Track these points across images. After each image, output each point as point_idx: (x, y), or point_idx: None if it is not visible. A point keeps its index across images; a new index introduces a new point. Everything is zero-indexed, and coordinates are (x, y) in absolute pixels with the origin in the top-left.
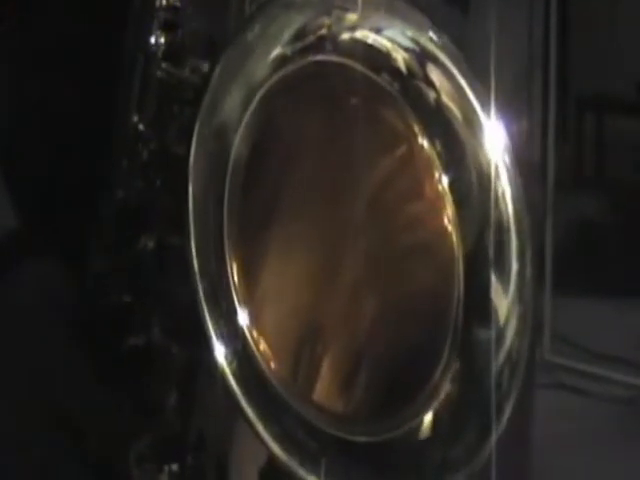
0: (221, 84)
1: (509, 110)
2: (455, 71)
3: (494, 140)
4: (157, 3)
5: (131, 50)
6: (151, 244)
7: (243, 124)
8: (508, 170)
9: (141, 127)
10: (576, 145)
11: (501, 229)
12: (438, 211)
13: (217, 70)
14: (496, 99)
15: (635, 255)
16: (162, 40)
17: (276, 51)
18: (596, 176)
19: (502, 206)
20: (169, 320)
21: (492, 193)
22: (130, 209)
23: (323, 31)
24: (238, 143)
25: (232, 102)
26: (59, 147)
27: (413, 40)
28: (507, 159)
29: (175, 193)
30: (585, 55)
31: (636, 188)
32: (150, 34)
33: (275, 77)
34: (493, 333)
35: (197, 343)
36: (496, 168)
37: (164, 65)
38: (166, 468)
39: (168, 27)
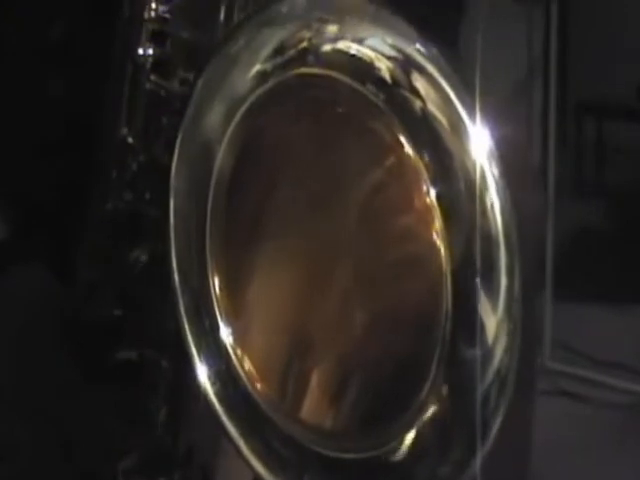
0: (205, 96)
1: (500, 119)
2: (441, 80)
3: (482, 149)
4: (146, 14)
5: (119, 61)
6: (141, 256)
7: (227, 137)
8: (497, 182)
9: (130, 139)
10: (576, 150)
11: (490, 242)
12: (426, 224)
13: (200, 82)
14: (486, 109)
15: (636, 261)
16: (150, 51)
17: (256, 67)
18: (596, 181)
19: (491, 219)
20: (159, 334)
21: (481, 205)
22: (120, 221)
23: (304, 44)
24: (222, 156)
25: (216, 114)
26: (49, 157)
27: (396, 48)
28: (496, 170)
29: (164, 205)
30: (585, 60)
31: (636, 193)
32: (138, 45)
33: (256, 93)
34: (478, 350)
35: (186, 358)
36: (484, 179)
37: (153, 77)
38: None
39: (157, 38)
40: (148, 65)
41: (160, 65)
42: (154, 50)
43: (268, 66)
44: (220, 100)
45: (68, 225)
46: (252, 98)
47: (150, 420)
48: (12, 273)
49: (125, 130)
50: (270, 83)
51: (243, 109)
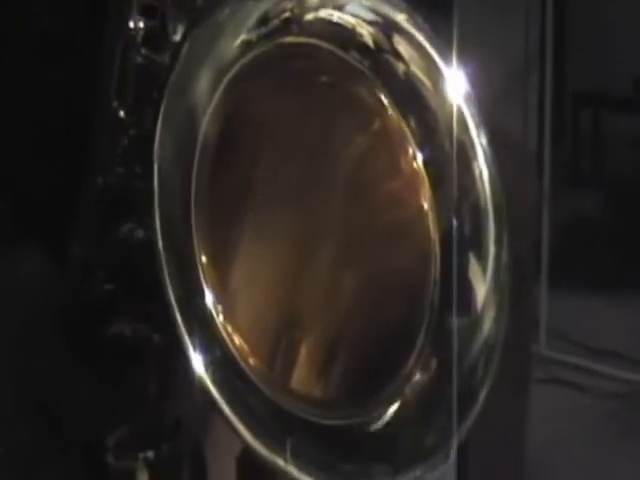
0: (189, 64)
1: (483, 74)
2: (420, 37)
3: (460, 96)
4: None
5: (110, 35)
6: (132, 231)
7: (212, 105)
8: (485, 151)
9: (121, 113)
10: (573, 141)
11: (478, 211)
12: (414, 190)
13: (184, 50)
14: (467, 64)
15: (631, 250)
16: (141, 25)
17: (242, 37)
18: (593, 172)
19: (479, 187)
20: (149, 308)
21: (454, 148)
22: (111, 195)
23: (287, 14)
24: (207, 124)
25: (201, 82)
26: (40, 133)
27: (374, 11)
28: (484, 139)
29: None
30: (582, 51)
31: (633, 184)
32: (129, 19)
33: (241, 62)
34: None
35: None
36: (473, 148)
37: (144, 51)
38: (142, 456)
39: (148, 12)
40: (139, 39)
41: (151, 39)
42: (145, 24)
43: (253, 36)
44: (206, 68)
45: (60, 202)
46: (237, 67)
47: (141, 395)
48: (5, 252)
49: (116, 104)
50: (255, 52)
51: (229, 77)
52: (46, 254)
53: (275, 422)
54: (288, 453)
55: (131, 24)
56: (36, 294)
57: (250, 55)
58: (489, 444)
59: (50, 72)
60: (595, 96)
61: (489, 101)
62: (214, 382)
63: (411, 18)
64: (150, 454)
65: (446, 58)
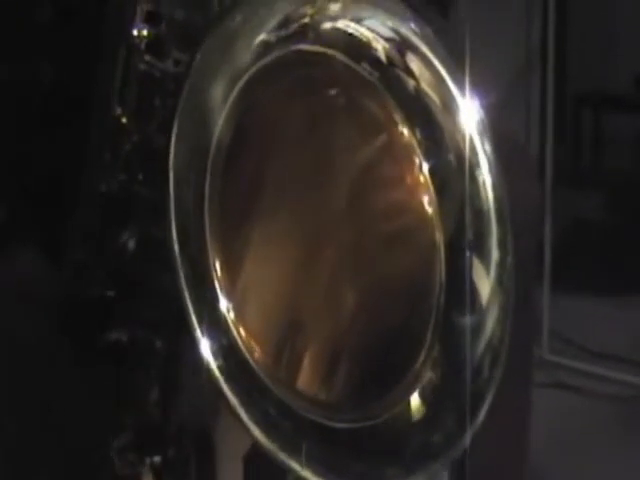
0: (203, 72)
1: (491, 96)
2: (434, 60)
3: (472, 126)
4: None
5: (113, 42)
6: (134, 236)
7: (226, 109)
8: (489, 159)
9: (124, 120)
10: (574, 141)
11: (481, 217)
12: (419, 198)
13: (198, 57)
14: (478, 88)
15: (634, 253)
16: (145, 32)
17: (260, 37)
18: (595, 172)
19: (482, 194)
20: (151, 314)
21: (466, 174)
22: (112, 201)
23: (306, 20)
24: (219, 132)
25: (214, 90)
26: (42, 137)
27: (394, 30)
28: (488, 147)
29: (157, 185)
30: (583, 51)
31: (634, 184)
32: (132, 26)
33: (257, 65)
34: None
35: (179, 337)
36: (476, 156)
37: (147, 57)
38: (148, 460)
39: (151, 19)
40: (142, 46)
41: (154, 46)
42: (148, 31)
43: (272, 37)
44: (219, 75)
45: (60, 206)
46: (251, 72)
47: (143, 399)
48: (3, 254)
49: (119, 110)
50: (270, 57)
51: (241, 84)
52: (46, 259)
53: (284, 421)
54: (304, 458)
55: (134, 31)
56: (34, 299)
57: (265, 59)
58: (491, 448)
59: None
60: (596, 96)
61: (490, 101)
62: (222, 372)
63: (429, 41)
64: (156, 458)
65: (459, 82)
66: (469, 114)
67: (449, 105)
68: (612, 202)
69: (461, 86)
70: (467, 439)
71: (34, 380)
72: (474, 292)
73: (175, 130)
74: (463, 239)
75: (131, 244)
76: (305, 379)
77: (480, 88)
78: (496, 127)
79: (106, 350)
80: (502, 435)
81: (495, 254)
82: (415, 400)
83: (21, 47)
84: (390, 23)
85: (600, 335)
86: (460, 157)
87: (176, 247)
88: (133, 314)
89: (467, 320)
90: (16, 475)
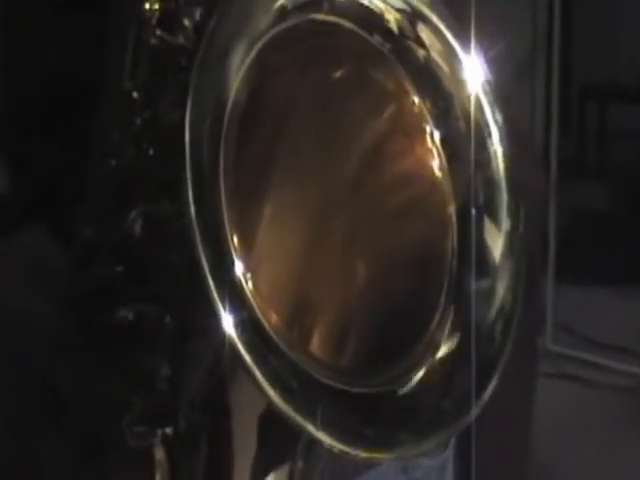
0: (220, 38)
1: (499, 58)
2: (444, 29)
3: (477, 79)
4: None
5: (124, 17)
6: (143, 213)
7: (239, 77)
8: (499, 128)
9: (134, 95)
10: (579, 133)
11: (492, 186)
12: (431, 166)
13: (212, 28)
14: (486, 51)
15: (637, 244)
16: (156, 6)
17: (279, 2)
18: (599, 164)
19: (493, 164)
20: (161, 290)
21: (472, 139)
22: (122, 178)
23: None
24: (233, 100)
25: (231, 56)
26: (50, 115)
27: (405, 1)
28: (499, 117)
29: (169, 160)
30: (588, 43)
31: (639, 175)
32: (144, 0)
33: (272, 32)
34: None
35: (190, 311)
36: (487, 126)
37: (158, 32)
38: (159, 432)
39: None
40: (154, 20)
41: (166, 20)
42: (160, 5)
43: (289, 3)
44: (238, 41)
45: (69, 186)
46: (268, 36)
47: (153, 375)
48: (11, 231)
49: (129, 85)
50: (286, 24)
51: (259, 46)
52: (55, 239)
53: (299, 384)
54: (319, 420)
55: (146, 5)
56: (42, 276)
57: (281, 25)
58: (494, 438)
59: (63, 52)
60: (601, 88)
61: (499, 69)
62: (240, 340)
63: (439, 11)
64: (168, 430)
65: (465, 46)
66: (476, 73)
67: (459, 74)
68: (616, 193)
69: (468, 50)
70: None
71: (43, 359)
72: (485, 257)
73: (190, 102)
74: (475, 205)
75: (140, 221)
76: (319, 345)
77: (489, 56)
78: (505, 98)
79: (115, 328)
80: (506, 426)
81: (506, 222)
82: (429, 365)
83: (31, 28)
84: None
85: (604, 326)
86: (469, 123)
87: (194, 219)
88: (142, 291)
89: (481, 284)
90: (24, 455)
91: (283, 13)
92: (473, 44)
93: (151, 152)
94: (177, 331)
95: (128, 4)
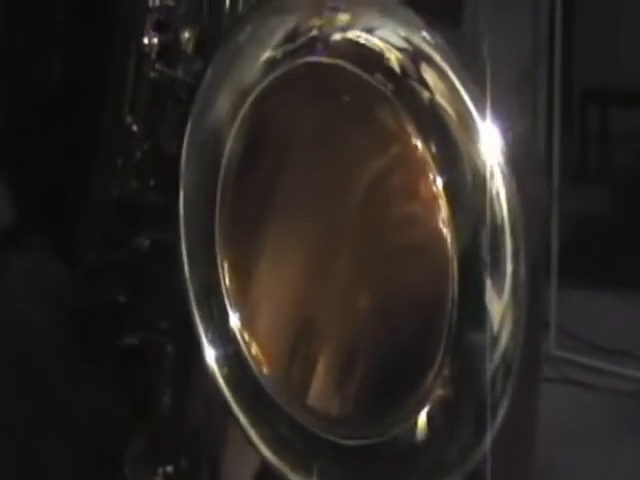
0: (213, 85)
1: (506, 109)
2: (449, 71)
3: (489, 140)
4: (150, 3)
5: (123, 50)
6: (145, 242)
7: (235, 125)
8: (503, 171)
9: (134, 127)
10: (581, 137)
11: (495, 230)
12: (432, 212)
13: (209, 71)
14: (492, 98)
15: None
16: (155, 40)
17: (266, 54)
18: (601, 168)
19: (496, 207)
20: (164, 319)
21: (487, 194)
22: (124, 208)
23: (314, 32)
24: (230, 144)
25: (224, 103)
26: (53, 144)
27: (406, 40)
28: (502, 159)
29: (168, 192)
30: (590, 47)
31: None
32: (143, 34)
33: (267, 79)
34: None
35: (192, 343)
36: (491, 169)
37: (157, 65)
38: (160, 470)
39: (161, 27)
40: (153, 54)
41: (165, 54)
42: (159, 39)
43: (278, 53)
44: (229, 88)
45: (72, 211)
46: (261, 86)
47: (155, 406)
48: (16, 258)
49: (129, 118)
50: (278, 72)
51: (252, 97)
52: (60, 263)
53: (293, 436)
54: (315, 477)
55: (145, 39)
56: (47, 304)
57: (273, 75)
58: (497, 443)
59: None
60: (603, 92)
61: (497, 98)
62: (228, 383)
63: (443, 51)
64: (169, 468)
65: (474, 95)
66: (488, 135)
67: (465, 119)
68: (619, 197)
69: (478, 103)
70: (487, 454)
71: (47, 384)
72: (487, 308)
73: (186, 141)
74: (477, 254)
75: (143, 249)
76: (315, 394)
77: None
78: (503, 124)
79: (118, 355)
80: (508, 430)
81: (509, 267)
82: (428, 414)
83: (33, 51)
84: (402, 32)
85: (607, 330)
86: (475, 172)
87: (185, 254)
88: (145, 318)
89: (482, 337)
90: (27, 475)
91: (272, 64)
92: (489, 106)
93: (152, 183)
94: (179, 362)
95: (128, 38)
